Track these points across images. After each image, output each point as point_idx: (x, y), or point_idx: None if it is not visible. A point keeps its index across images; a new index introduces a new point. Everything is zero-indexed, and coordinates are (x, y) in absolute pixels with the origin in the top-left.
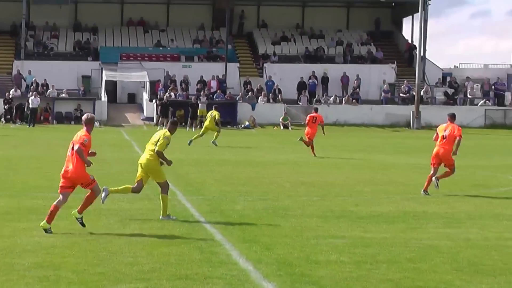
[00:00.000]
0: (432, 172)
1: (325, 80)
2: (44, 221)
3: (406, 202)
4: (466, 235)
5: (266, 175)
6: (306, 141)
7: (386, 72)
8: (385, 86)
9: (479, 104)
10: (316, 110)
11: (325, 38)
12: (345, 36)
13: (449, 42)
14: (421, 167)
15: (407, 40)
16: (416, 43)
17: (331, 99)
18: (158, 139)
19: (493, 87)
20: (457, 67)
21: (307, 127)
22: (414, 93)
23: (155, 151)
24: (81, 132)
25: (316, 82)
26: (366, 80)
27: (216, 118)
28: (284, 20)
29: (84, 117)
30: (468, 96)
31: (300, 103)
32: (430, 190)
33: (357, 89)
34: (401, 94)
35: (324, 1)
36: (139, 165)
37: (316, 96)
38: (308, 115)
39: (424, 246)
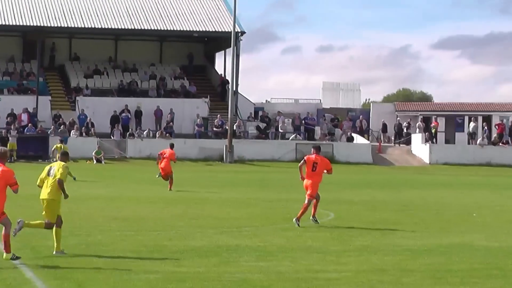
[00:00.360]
0: (306, 202)
1: (138, 113)
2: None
3: (219, 236)
4: (278, 268)
5: (78, 210)
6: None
7: (199, 106)
8: (198, 120)
9: (290, 138)
10: (171, 146)
11: (138, 71)
12: (159, 70)
13: (262, 77)
14: (234, 200)
15: (220, 75)
16: (228, 77)
17: (145, 133)
18: (58, 170)
19: (303, 121)
20: (268, 101)
21: (162, 163)
22: (227, 127)
23: (57, 179)
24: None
25: (130, 116)
26: (180, 114)
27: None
28: (97, 53)
29: None
30: (280, 130)
31: (113, 137)
32: (239, 224)
33: (171, 123)
34: (214, 128)
35: (137, 35)
36: (42, 201)
37: (130, 130)
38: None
39: (236, 280)
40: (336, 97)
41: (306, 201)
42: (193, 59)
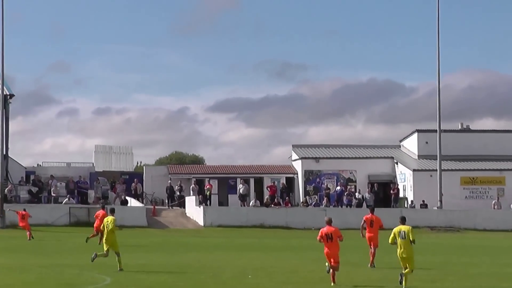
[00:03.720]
0: (371, 250)
1: None
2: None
3: None
4: None
5: None
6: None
7: None
8: None
9: (63, 202)
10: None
11: None
12: None
13: (37, 139)
14: (7, 267)
15: None
16: None
17: None
18: (409, 232)
19: (76, 185)
20: (40, 165)
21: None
22: None
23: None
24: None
25: None
26: None
27: None
28: None
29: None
30: (53, 194)
31: None
32: None
33: None
34: None
35: None
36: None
37: None
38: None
39: None
40: (109, 160)
41: (372, 250)
42: None
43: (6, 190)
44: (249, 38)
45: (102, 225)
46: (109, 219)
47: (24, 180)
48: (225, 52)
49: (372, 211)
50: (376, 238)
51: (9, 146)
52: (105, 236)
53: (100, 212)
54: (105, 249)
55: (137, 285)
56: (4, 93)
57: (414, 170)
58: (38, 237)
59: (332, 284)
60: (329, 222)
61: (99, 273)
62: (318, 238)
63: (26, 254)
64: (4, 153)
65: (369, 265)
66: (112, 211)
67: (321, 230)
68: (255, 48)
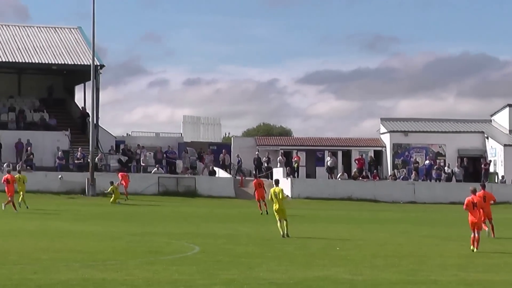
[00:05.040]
0: (490, 229)
1: None
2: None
3: (85, 269)
4: None
5: None
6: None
7: (60, 139)
8: (59, 153)
9: (152, 171)
10: (261, 179)
11: None
12: (17, 103)
13: (126, 109)
14: (97, 234)
15: (81, 108)
16: (89, 110)
17: (5, 165)
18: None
19: (165, 155)
20: (129, 135)
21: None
22: (89, 160)
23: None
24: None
25: None
26: (40, 147)
27: None
28: None
29: None
30: (142, 163)
31: None
32: None
33: (31, 155)
34: (76, 161)
35: None
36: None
37: None
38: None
39: None
40: (197, 130)
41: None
42: (52, 92)
43: (96, 159)
44: (341, 9)
45: (270, 195)
46: (276, 189)
47: (114, 149)
48: (316, 23)
49: (483, 188)
50: (490, 213)
51: (99, 116)
52: (277, 205)
53: (256, 181)
54: (277, 218)
55: (225, 255)
56: (95, 63)
57: (505, 145)
58: (128, 205)
59: (475, 249)
60: (474, 192)
61: (188, 242)
62: (464, 207)
63: (116, 222)
64: (95, 122)
65: (486, 235)
66: (277, 183)
67: (467, 199)
68: (347, 20)
